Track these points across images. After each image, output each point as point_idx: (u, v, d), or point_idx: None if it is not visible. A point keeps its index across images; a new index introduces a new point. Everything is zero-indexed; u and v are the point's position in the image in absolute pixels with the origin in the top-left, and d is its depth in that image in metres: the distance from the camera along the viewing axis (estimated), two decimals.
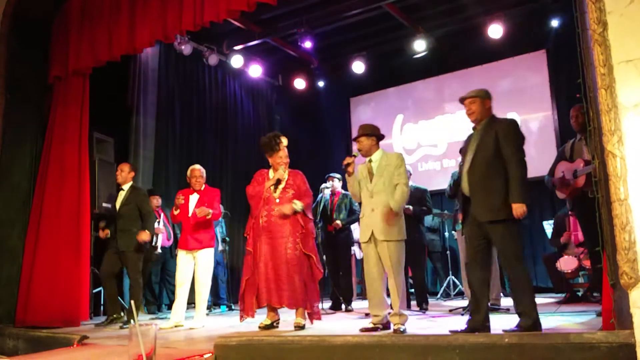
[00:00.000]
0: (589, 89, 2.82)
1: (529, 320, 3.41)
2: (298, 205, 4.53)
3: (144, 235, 5.42)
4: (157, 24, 5.36)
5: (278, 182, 4.63)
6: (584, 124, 3.98)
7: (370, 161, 4.32)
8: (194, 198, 5.35)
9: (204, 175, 5.46)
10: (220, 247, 7.53)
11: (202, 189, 5.41)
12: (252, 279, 4.53)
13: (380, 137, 4.41)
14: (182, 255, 5.25)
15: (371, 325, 4.13)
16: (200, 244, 5.21)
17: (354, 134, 10.95)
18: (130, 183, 5.72)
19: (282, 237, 4.47)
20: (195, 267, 5.24)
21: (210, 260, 5.29)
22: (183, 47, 7.91)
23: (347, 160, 4.23)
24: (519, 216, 3.48)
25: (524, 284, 3.51)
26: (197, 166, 5.50)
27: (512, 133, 3.65)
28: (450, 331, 3.60)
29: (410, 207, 5.72)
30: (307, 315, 4.51)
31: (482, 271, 3.67)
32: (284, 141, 4.71)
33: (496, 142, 3.64)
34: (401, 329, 3.98)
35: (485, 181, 3.64)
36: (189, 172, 5.47)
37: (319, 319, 4.58)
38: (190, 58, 8.35)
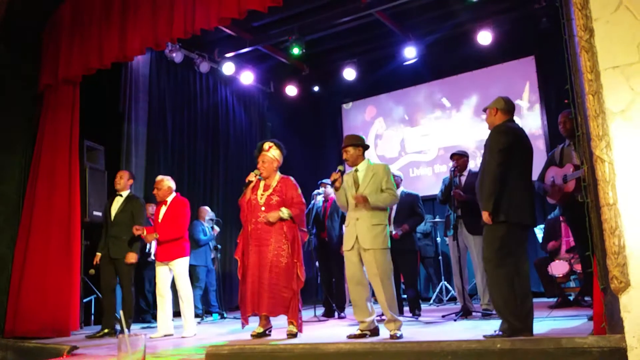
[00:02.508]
0: (577, 94, 2.85)
1: (505, 325, 3.50)
2: (285, 213, 4.50)
3: (131, 258, 5.38)
4: (148, 32, 5.36)
5: (248, 183, 4.62)
6: (572, 129, 4.07)
7: (356, 170, 4.37)
8: (162, 210, 5.34)
9: (168, 185, 5.38)
10: (212, 255, 7.51)
11: (171, 199, 5.36)
12: (243, 287, 4.53)
13: (366, 147, 4.48)
14: (158, 267, 5.25)
15: (359, 332, 4.13)
16: (172, 254, 5.18)
17: None
18: (128, 191, 5.67)
19: (269, 245, 4.46)
20: (175, 279, 5.23)
21: (185, 269, 5.25)
22: (174, 54, 7.90)
23: (334, 176, 4.31)
24: (485, 222, 3.63)
25: (494, 290, 3.58)
26: (159, 177, 5.47)
27: (490, 140, 3.76)
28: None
29: (406, 226, 5.75)
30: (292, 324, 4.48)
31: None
32: (265, 146, 4.69)
33: (485, 151, 3.81)
34: (397, 335, 3.98)
35: (479, 190, 3.78)
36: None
37: (301, 331, 4.51)
38: (182, 65, 8.35)
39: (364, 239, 4.12)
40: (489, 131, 3.93)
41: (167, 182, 5.41)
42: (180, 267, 5.21)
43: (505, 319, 3.50)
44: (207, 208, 7.64)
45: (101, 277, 5.54)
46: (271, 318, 4.61)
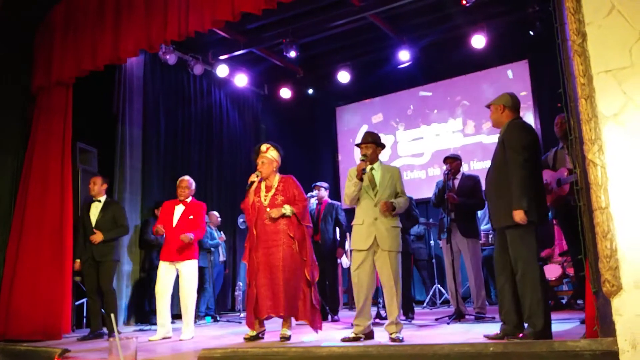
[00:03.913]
0: (570, 98, 2.86)
1: (532, 329, 3.44)
2: (287, 209, 4.48)
3: (97, 236, 5.37)
4: (141, 34, 5.36)
5: (250, 185, 4.61)
6: (567, 131, 4.07)
7: (372, 169, 4.32)
8: (179, 209, 5.31)
9: (192, 187, 5.40)
10: (221, 258, 7.49)
11: (189, 201, 5.36)
12: (251, 291, 4.51)
13: (384, 147, 4.48)
14: (163, 266, 5.17)
15: (353, 335, 4.12)
16: (183, 255, 5.14)
17: (340, 143, 11.00)
18: (105, 196, 5.68)
19: (277, 246, 4.43)
20: (180, 280, 5.18)
21: (194, 272, 5.21)
22: (168, 56, 7.88)
23: (363, 165, 4.17)
24: (519, 222, 3.49)
25: (528, 289, 3.47)
26: (187, 177, 5.47)
27: (514, 137, 3.63)
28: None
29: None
30: (308, 325, 4.51)
31: (507, 279, 3.68)
32: (263, 148, 4.70)
33: (503, 147, 3.67)
34: (399, 337, 3.99)
35: (496, 188, 3.68)
36: (178, 182, 5.45)
37: (320, 328, 4.54)
38: (176, 67, 8.32)
39: (384, 241, 4.10)
40: (486, 131, 3.90)
41: (192, 183, 5.43)
42: (189, 269, 5.17)
43: (535, 324, 3.44)
44: (215, 213, 7.64)
45: (86, 280, 5.55)
46: (265, 321, 4.61)
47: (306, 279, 4.47)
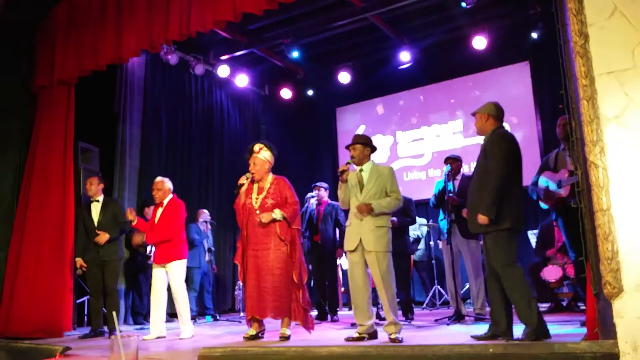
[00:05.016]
0: (572, 100, 2.86)
1: (528, 328, 3.50)
2: (277, 214, 4.47)
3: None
4: (143, 34, 5.37)
5: (240, 187, 4.59)
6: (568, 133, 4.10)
7: (361, 170, 4.34)
8: (159, 212, 5.32)
9: (168, 187, 5.36)
10: (207, 258, 7.48)
11: (166, 202, 5.33)
12: (244, 291, 4.53)
13: (374, 148, 4.46)
14: (155, 269, 5.23)
15: (357, 335, 4.12)
16: (168, 256, 5.15)
17: (340, 143, 11.00)
18: (102, 195, 5.67)
19: (268, 249, 4.44)
20: (170, 281, 5.20)
21: (180, 271, 5.22)
22: (169, 56, 7.88)
23: (342, 167, 4.28)
24: (481, 223, 3.67)
25: (515, 292, 3.57)
26: (159, 178, 5.44)
27: (495, 146, 3.75)
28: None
29: (395, 219, 5.74)
30: (300, 325, 4.50)
31: (496, 281, 3.75)
32: (255, 148, 4.67)
33: (485, 155, 3.79)
34: (399, 338, 3.99)
35: (476, 195, 3.78)
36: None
37: (312, 328, 4.55)
38: (177, 67, 8.32)
39: (368, 241, 4.11)
40: (479, 135, 3.96)
41: (167, 183, 5.39)
42: (175, 270, 5.17)
43: (529, 323, 3.51)
44: (204, 211, 7.63)
45: (88, 280, 5.54)
46: (265, 320, 4.61)
47: (298, 280, 4.46)
